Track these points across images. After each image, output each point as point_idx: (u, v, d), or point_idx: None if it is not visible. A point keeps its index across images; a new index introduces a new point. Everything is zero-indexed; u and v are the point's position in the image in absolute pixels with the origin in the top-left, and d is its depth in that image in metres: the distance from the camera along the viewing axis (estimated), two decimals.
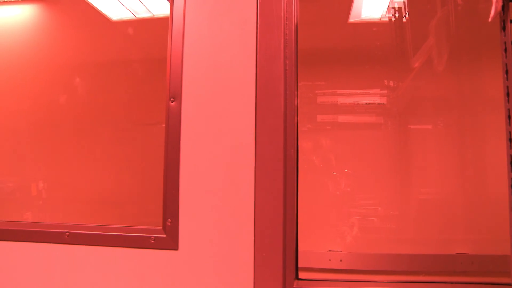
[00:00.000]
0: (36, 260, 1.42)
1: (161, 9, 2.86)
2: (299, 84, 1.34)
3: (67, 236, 1.40)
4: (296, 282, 1.26)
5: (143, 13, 2.89)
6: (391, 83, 2.35)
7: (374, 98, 2.37)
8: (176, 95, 1.34)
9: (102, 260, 1.36)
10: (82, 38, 3.05)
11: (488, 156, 2.22)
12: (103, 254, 1.36)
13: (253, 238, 1.25)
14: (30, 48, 3.02)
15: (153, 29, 2.97)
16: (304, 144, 2.39)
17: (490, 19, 1.11)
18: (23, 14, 2.99)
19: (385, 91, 2.36)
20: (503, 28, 1.09)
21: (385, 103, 2.36)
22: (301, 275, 1.28)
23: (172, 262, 1.30)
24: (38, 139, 3.00)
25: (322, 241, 2.28)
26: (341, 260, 2.17)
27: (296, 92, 1.30)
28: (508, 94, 1.08)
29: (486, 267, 2.08)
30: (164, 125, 1.38)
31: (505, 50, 1.08)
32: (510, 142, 1.06)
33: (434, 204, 2.25)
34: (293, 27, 1.32)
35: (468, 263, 2.09)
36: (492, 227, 2.14)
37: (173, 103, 1.34)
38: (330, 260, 2.18)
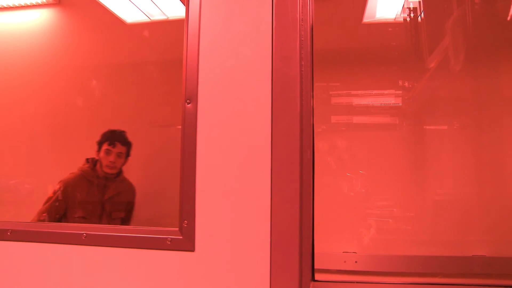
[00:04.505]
0: (54, 261, 1.43)
1: (176, 12, 2.87)
2: (314, 85, 1.34)
3: (84, 237, 1.41)
4: (312, 283, 1.25)
5: (157, 16, 2.91)
6: (406, 84, 2.34)
7: (389, 99, 2.36)
8: (192, 97, 1.35)
9: (118, 261, 1.37)
10: (97, 40, 3.08)
11: (505, 157, 2.20)
12: (119, 255, 1.37)
13: (269, 239, 1.25)
14: (48, 51, 3.06)
15: (167, 31, 2.98)
16: (319, 145, 2.38)
17: (509, 18, 1.09)
18: (41, 18, 3.03)
19: (400, 92, 2.35)
20: None
21: (400, 104, 2.35)
22: (317, 276, 1.28)
23: (189, 263, 1.30)
24: (54, 141, 3.04)
25: (337, 242, 2.27)
26: (356, 262, 2.16)
27: (312, 93, 1.29)
28: None
29: (504, 269, 2.06)
30: (179, 126, 1.38)
31: None
32: None
33: (450, 205, 2.23)
34: (309, 28, 1.32)
35: (485, 265, 2.07)
36: (510, 229, 2.12)
37: (189, 105, 1.35)
38: (345, 262, 2.17)
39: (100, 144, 2.64)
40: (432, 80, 2.30)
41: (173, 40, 2.82)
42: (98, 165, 2.63)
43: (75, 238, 1.42)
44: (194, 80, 1.35)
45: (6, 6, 2.97)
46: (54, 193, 2.54)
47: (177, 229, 1.33)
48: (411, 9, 2.34)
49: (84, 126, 3.02)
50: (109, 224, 2.59)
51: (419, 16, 2.33)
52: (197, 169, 1.32)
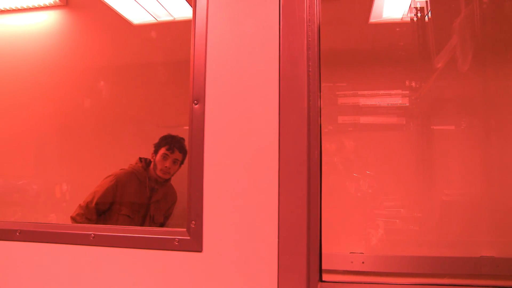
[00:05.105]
0: (62, 261, 1.43)
1: (182, 13, 2.88)
2: (321, 85, 1.34)
3: (93, 237, 1.42)
4: (320, 284, 1.25)
5: (164, 17, 2.91)
6: (413, 84, 2.33)
7: (396, 99, 2.35)
8: (199, 98, 1.35)
9: (126, 261, 1.38)
10: (104, 42, 3.10)
11: None
12: (127, 256, 1.38)
13: (277, 240, 1.24)
14: (56, 52, 3.08)
15: (174, 32, 2.99)
16: (327, 146, 2.38)
17: None
18: (48, 20, 3.04)
19: (407, 92, 2.34)
20: None
21: (407, 104, 2.34)
22: (325, 277, 1.27)
23: (196, 264, 1.30)
24: (62, 142, 3.05)
25: (344, 243, 2.27)
26: (363, 262, 2.16)
27: (319, 94, 1.29)
28: None
29: None
30: (186, 127, 1.38)
31: None
32: None
33: (458, 205, 2.22)
34: (316, 29, 1.32)
35: (493, 266, 2.05)
36: None
37: (196, 106, 1.35)
38: (352, 262, 2.16)
39: (157, 147, 2.61)
40: (439, 80, 2.29)
41: (180, 41, 2.82)
42: (151, 167, 2.61)
43: (83, 238, 1.43)
44: (202, 81, 1.36)
45: (14, 8, 2.98)
46: (101, 186, 2.52)
47: (185, 229, 1.33)
48: (418, 8, 2.33)
49: (92, 127, 3.03)
50: (150, 227, 2.57)
51: (426, 16, 2.32)
52: (205, 170, 1.32)
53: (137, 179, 2.58)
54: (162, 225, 2.66)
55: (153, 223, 2.58)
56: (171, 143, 2.59)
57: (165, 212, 2.68)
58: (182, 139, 2.63)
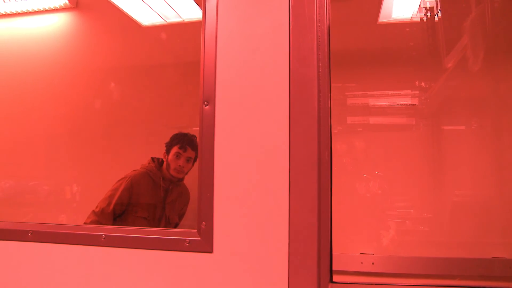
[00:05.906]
0: (74, 262, 1.44)
1: (191, 14, 2.88)
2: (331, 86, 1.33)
3: (103, 238, 1.42)
4: (330, 285, 1.24)
5: (173, 18, 2.92)
6: (423, 84, 2.32)
7: (405, 99, 2.34)
8: (209, 99, 1.35)
9: (137, 262, 1.38)
10: (114, 43, 3.11)
11: None
12: (138, 257, 1.38)
13: (287, 241, 1.24)
14: (66, 54, 3.10)
15: (183, 33, 3.00)
16: (336, 146, 2.37)
17: None
18: (58, 22, 3.06)
19: (417, 92, 2.33)
20: None
21: (417, 104, 2.33)
22: (335, 278, 1.27)
23: (207, 265, 1.31)
24: (73, 143, 3.07)
25: (354, 243, 2.26)
26: (373, 263, 2.15)
27: (329, 95, 1.29)
28: None
29: None
30: (196, 128, 1.38)
31: None
32: None
33: (469, 206, 2.21)
34: (326, 29, 1.31)
35: (505, 267, 2.03)
36: None
37: (206, 107, 1.35)
38: (362, 263, 2.15)
39: (169, 146, 2.55)
40: (449, 80, 2.27)
41: (190, 42, 2.83)
42: (164, 167, 2.56)
43: (94, 239, 1.43)
44: (212, 81, 1.36)
45: (25, 11, 3.01)
46: (115, 190, 2.47)
47: (196, 230, 1.33)
48: (428, 8, 2.32)
49: (102, 128, 3.05)
50: (166, 227, 2.54)
51: (436, 15, 2.31)
52: (215, 171, 1.32)
53: (151, 180, 2.54)
54: (177, 225, 2.62)
55: (169, 224, 2.55)
56: (183, 141, 2.53)
57: (179, 212, 2.65)
58: (194, 136, 2.55)
